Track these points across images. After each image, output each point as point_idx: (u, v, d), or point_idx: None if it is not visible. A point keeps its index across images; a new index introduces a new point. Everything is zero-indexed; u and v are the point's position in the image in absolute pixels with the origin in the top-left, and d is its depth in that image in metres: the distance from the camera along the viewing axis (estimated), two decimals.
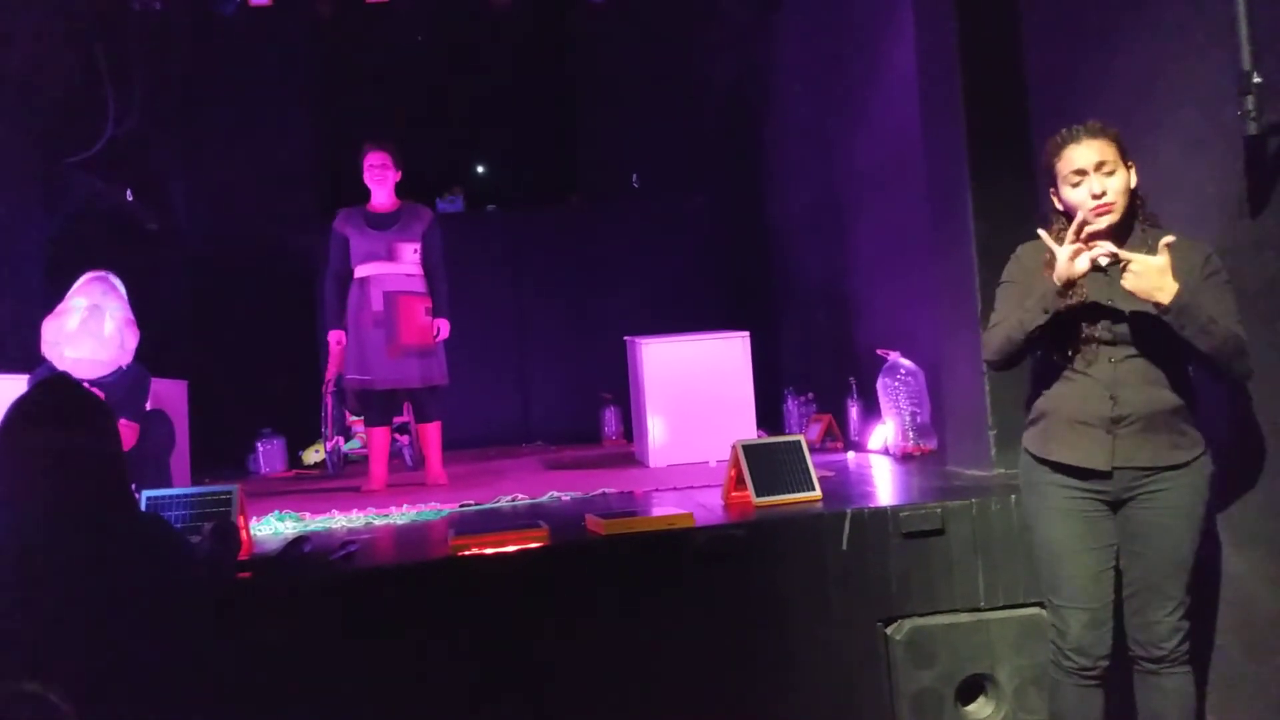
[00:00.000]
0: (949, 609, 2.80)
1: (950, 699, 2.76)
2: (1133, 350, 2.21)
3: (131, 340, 3.62)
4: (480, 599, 2.62)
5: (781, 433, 4.99)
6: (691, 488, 3.75)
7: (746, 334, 4.77)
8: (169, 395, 4.46)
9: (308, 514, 3.63)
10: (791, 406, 5.28)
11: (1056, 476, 2.29)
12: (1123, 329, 2.21)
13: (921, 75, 3.69)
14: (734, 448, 3.19)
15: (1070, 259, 2.16)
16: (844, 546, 2.78)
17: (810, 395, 5.26)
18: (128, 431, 3.38)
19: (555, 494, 3.76)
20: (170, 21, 5.76)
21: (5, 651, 1.82)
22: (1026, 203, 3.20)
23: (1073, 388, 2.25)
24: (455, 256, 4.70)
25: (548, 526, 2.82)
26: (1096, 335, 2.21)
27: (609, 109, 6.96)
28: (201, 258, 6.44)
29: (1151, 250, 2.18)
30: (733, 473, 3.19)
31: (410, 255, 4.44)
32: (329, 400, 5.36)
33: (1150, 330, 2.17)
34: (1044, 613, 2.46)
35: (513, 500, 3.73)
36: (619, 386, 5.43)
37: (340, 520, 3.50)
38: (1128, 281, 2.11)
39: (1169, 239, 2.10)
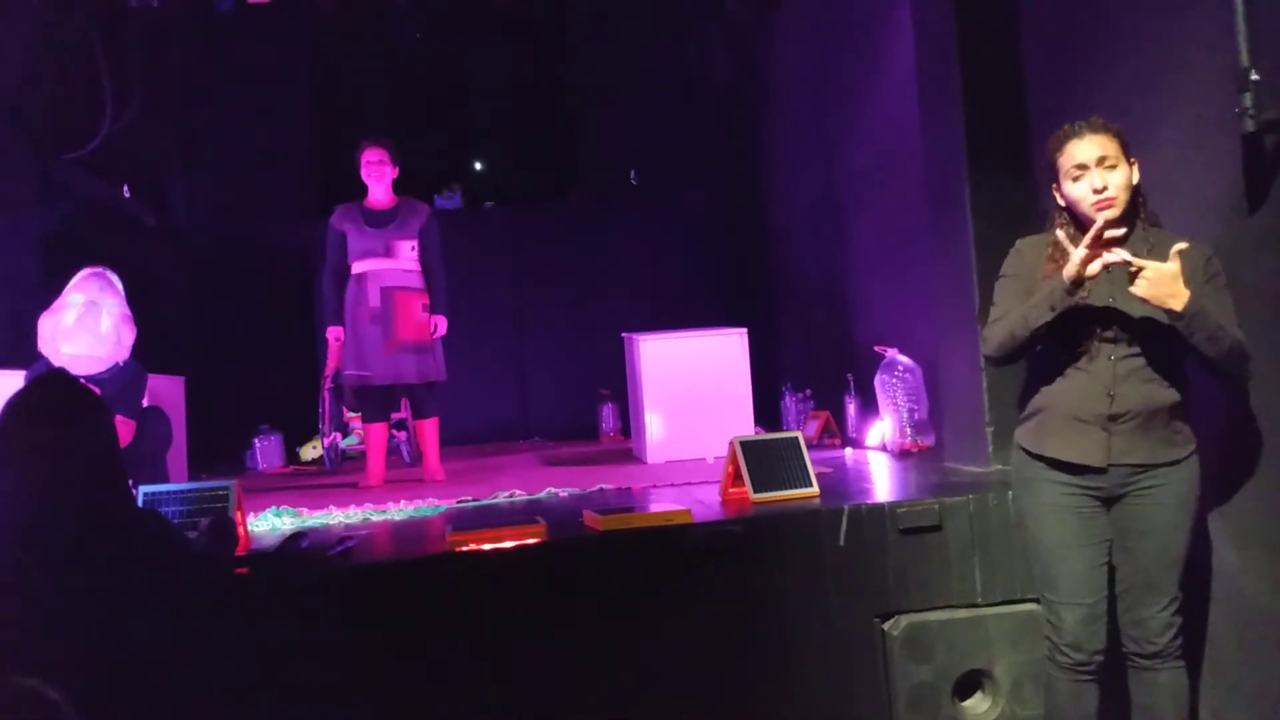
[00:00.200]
0: (946, 605, 2.81)
1: (947, 694, 2.77)
2: (1133, 348, 2.21)
3: (128, 336, 3.62)
4: (478, 595, 2.62)
5: (779, 429, 5.00)
6: (689, 484, 3.75)
7: (744, 330, 4.78)
8: (166, 391, 4.46)
9: (305, 510, 3.62)
10: (789, 403, 5.28)
11: (1051, 473, 2.29)
12: (1124, 327, 2.21)
13: (920, 73, 3.69)
14: (732, 444, 3.19)
15: (1083, 262, 2.14)
16: (841, 542, 2.79)
17: (808, 392, 5.27)
18: (124, 428, 3.37)
19: (553, 490, 3.77)
20: (168, 18, 5.74)
21: (3, 646, 1.82)
22: (1024, 200, 3.20)
23: (1071, 384, 2.25)
24: (453, 253, 4.69)
25: (545, 522, 2.82)
26: (1100, 333, 2.21)
27: (608, 106, 6.96)
28: (199, 254, 6.43)
29: (1153, 248, 2.20)
30: (730, 469, 3.20)
31: (408, 252, 4.44)
32: (327, 396, 5.35)
33: (1151, 329, 2.18)
34: (1040, 608, 2.46)
35: (510, 496, 3.73)
36: (617, 383, 5.43)
37: (338, 516, 3.50)
38: (1140, 289, 2.10)
39: (1181, 246, 2.10)
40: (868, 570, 2.79)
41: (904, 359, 4.20)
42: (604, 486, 3.81)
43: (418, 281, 4.45)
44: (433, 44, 6.90)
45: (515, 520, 2.94)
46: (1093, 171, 2.21)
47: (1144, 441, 2.22)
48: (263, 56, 6.49)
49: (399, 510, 3.56)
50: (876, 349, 4.29)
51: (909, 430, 4.15)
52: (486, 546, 2.68)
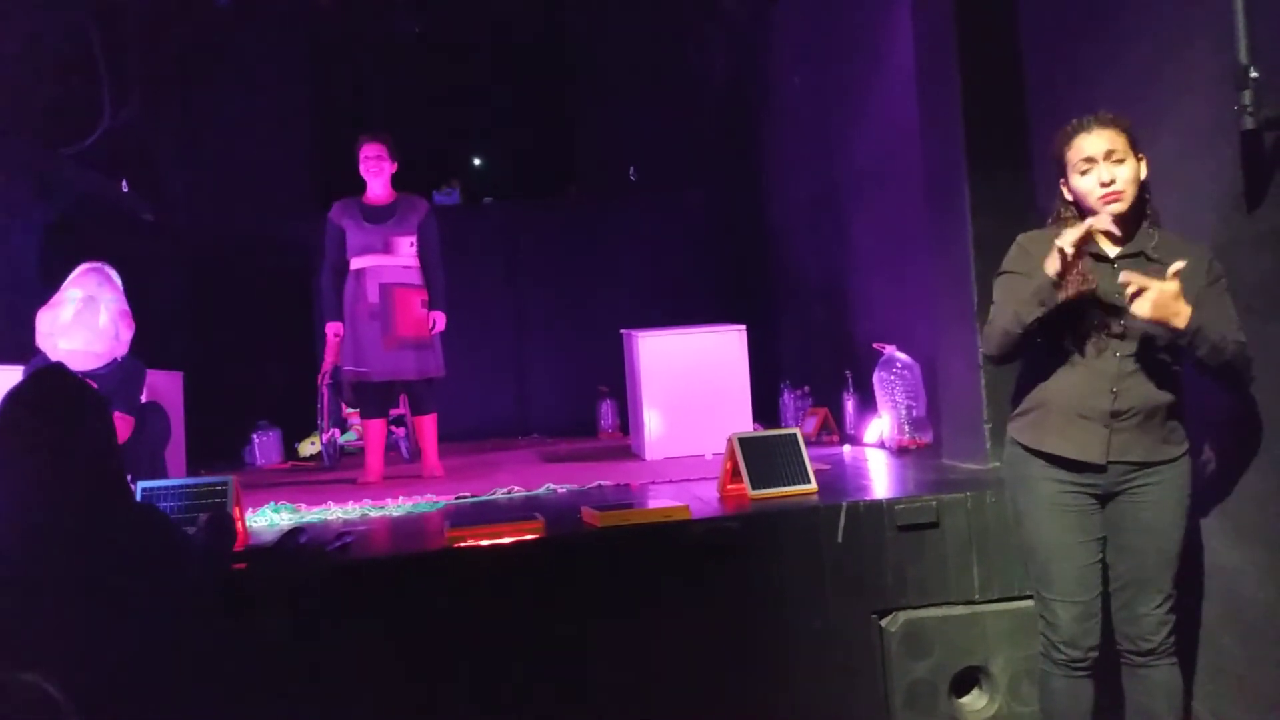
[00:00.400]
0: (943, 601, 2.81)
1: (944, 691, 2.77)
2: (1137, 346, 2.21)
3: (126, 332, 3.62)
4: (476, 590, 2.63)
5: (778, 426, 5.00)
6: (687, 480, 3.76)
7: (743, 327, 4.78)
8: (165, 387, 4.46)
9: (303, 505, 3.62)
10: (788, 400, 5.28)
11: (1048, 469, 2.28)
12: (1132, 325, 2.20)
13: (920, 70, 3.69)
14: (730, 440, 3.19)
15: (1059, 252, 2.14)
16: (839, 539, 2.79)
17: (806, 389, 5.27)
18: (122, 424, 3.37)
19: (551, 486, 3.77)
20: (166, 13, 5.74)
21: (1, 642, 1.82)
22: (1024, 198, 3.20)
23: (1073, 379, 2.24)
24: (452, 249, 4.69)
25: (543, 518, 2.83)
26: (1109, 329, 2.21)
27: (606, 102, 6.96)
28: (197, 249, 6.43)
29: (1157, 247, 2.20)
30: (729, 465, 3.20)
31: (406, 248, 4.43)
32: (325, 392, 5.35)
33: (1156, 329, 2.18)
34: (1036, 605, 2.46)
35: (509, 492, 3.73)
36: (615, 379, 5.43)
37: (336, 512, 3.50)
38: (1141, 309, 2.09)
39: (1179, 265, 2.09)
40: (865, 567, 2.80)
41: (902, 356, 4.20)
42: (602, 483, 3.81)
43: (416, 278, 4.45)
44: (432, 40, 6.90)
45: (514, 516, 2.94)
46: (1100, 165, 2.20)
47: (1143, 439, 2.22)
48: (262, 51, 6.48)
49: (397, 506, 3.56)
50: (875, 346, 4.29)
51: (907, 427, 4.15)
52: (485, 542, 2.68)
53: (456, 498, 3.67)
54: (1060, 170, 2.29)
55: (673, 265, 6.67)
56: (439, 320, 4.46)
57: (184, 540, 2.24)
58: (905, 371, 4.18)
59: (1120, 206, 2.19)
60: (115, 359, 3.59)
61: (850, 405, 4.74)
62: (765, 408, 5.21)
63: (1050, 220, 2.34)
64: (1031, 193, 3.19)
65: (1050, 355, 2.28)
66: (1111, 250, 2.25)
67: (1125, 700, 2.33)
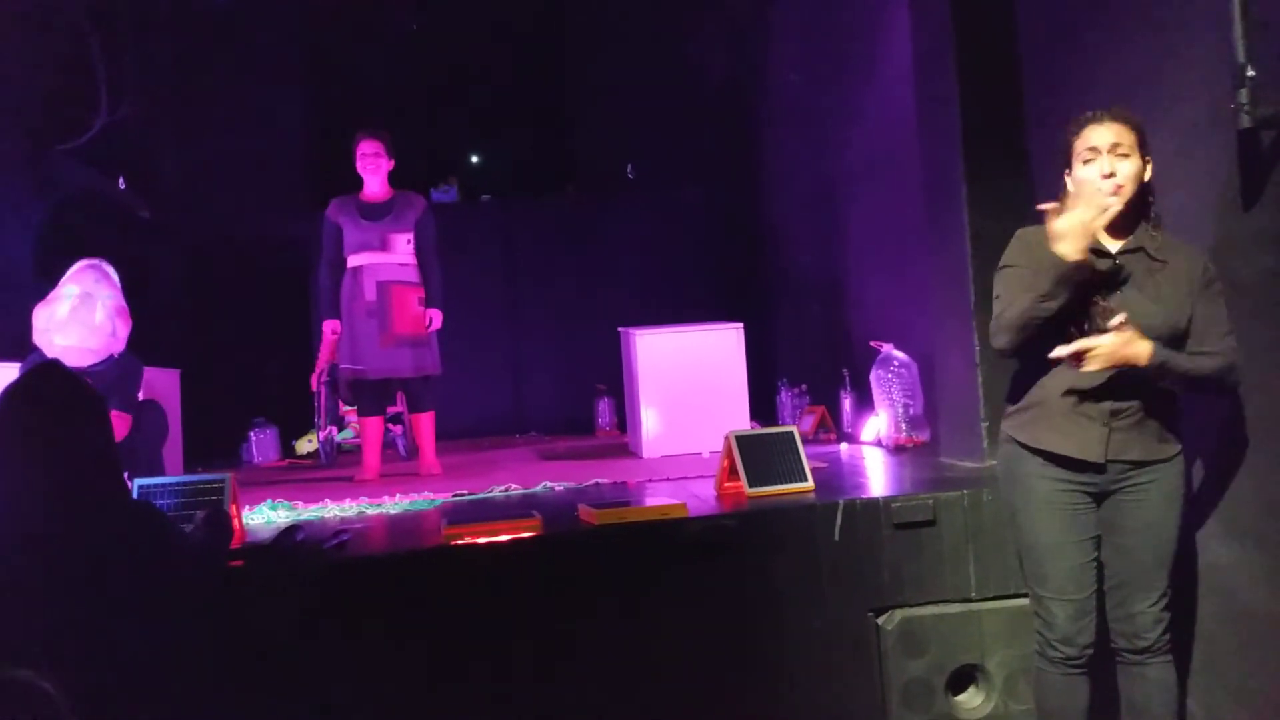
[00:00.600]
0: (940, 599, 2.82)
1: (940, 689, 2.78)
2: None
3: (123, 329, 3.61)
4: (473, 588, 2.63)
5: (775, 424, 5.00)
6: (685, 478, 3.76)
7: (740, 325, 4.78)
8: (162, 384, 4.46)
9: (300, 503, 3.62)
10: (785, 398, 5.29)
11: (1046, 467, 2.28)
12: (1130, 321, 2.19)
13: (917, 68, 3.69)
14: (727, 438, 3.19)
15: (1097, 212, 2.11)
16: (836, 537, 2.79)
17: (804, 387, 5.27)
18: (119, 422, 3.37)
19: (548, 484, 3.77)
20: (163, 9, 5.73)
21: None
22: (1021, 196, 3.20)
23: (1072, 377, 2.23)
24: (449, 247, 4.68)
25: (541, 516, 2.83)
26: (1107, 325, 2.21)
27: (605, 100, 6.95)
28: (194, 246, 6.42)
29: (1158, 250, 2.20)
30: (726, 463, 3.20)
31: (403, 245, 4.43)
32: (322, 390, 5.35)
33: (1155, 327, 2.18)
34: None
35: (506, 490, 3.73)
36: (613, 377, 5.43)
37: (333, 509, 3.50)
38: (1095, 365, 2.12)
39: (1119, 319, 2.10)
40: (862, 565, 2.80)
41: (899, 354, 4.20)
42: (599, 481, 3.81)
43: (413, 275, 4.44)
44: (429, 36, 6.89)
45: (511, 514, 2.94)
46: (1104, 157, 2.20)
47: (1140, 438, 2.22)
48: (259, 48, 6.47)
49: (394, 504, 3.56)
50: (872, 344, 4.30)
51: (904, 425, 4.15)
52: (482, 540, 2.68)
53: (454, 495, 3.67)
54: (1066, 160, 2.29)
55: (670, 263, 6.67)
56: (436, 318, 4.45)
57: (181, 538, 2.24)
58: (902, 369, 4.18)
59: (1117, 203, 2.19)
60: (112, 356, 3.58)
61: (847, 403, 4.74)
62: (762, 406, 5.21)
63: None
64: (1029, 191, 3.19)
65: (1046, 353, 2.27)
66: (1113, 245, 2.25)
67: (1120, 698, 2.34)
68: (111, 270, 3.69)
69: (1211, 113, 2.38)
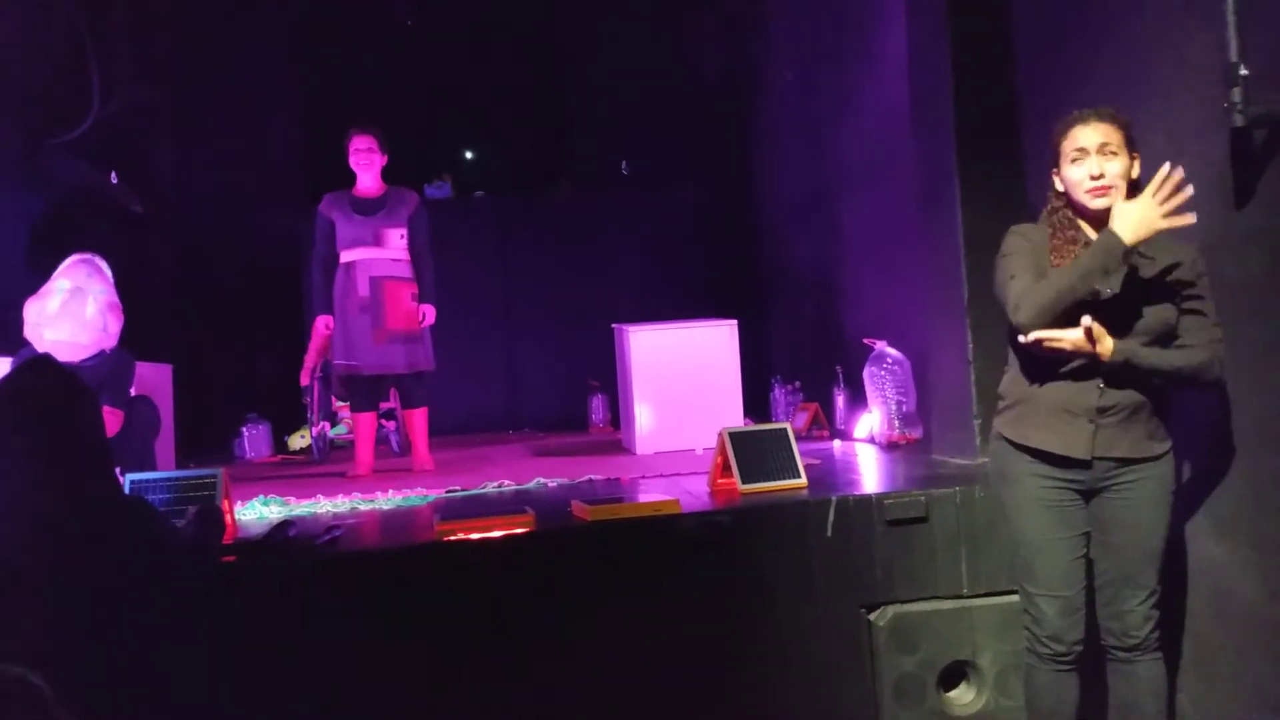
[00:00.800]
0: (932, 596, 2.83)
1: (932, 684, 2.79)
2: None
3: (115, 324, 3.60)
4: (466, 584, 2.63)
5: (768, 421, 5.01)
6: (678, 475, 3.76)
7: (734, 322, 4.78)
8: (154, 379, 4.44)
9: (293, 499, 3.62)
10: (778, 395, 5.29)
11: (1033, 464, 2.29)
12: (1122, 323, 2.20)
13: (912, 65, 3.69)
14: (721, 435, 3.20)
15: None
16: (829, 533, 2.80)
17: (797, 384, 5.28)
18: (111, 418, 3.35)
19: (542, 480, 3.77)
20: (157, 2, 5.70)
21: None
22: (1014, 193, 3.21)
23: (1059, 374, 2.25)
24: (443, 243, 4.68)
25: (534, 512, 2.83)
26: (1081, 324, 2.22)
27: (599, 96, 6.94)
28: (188, 241, 6.39)
29: (1148, 245, 2.20)
30: (719, 460, 3.20)
31: (397, 240, 4.42)
32: (315, 386, 5.34)
33: (1141, 325, 2.19)
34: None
35: (499, 486, 3.73)
36: (607, 374, 5.43)
37: (326, 505, 3.49)
38: (1051, 351, 2.17)
39: (1087, 320, 2.13)
40: (855, 561, 2.81)
41: (893, 351, 4.21)
42: (593, 477, 3.81)
43: (406, 271, 4.44)
44: (424, 32, 6.87)
45: (504, 510, 2.94)
46: (1092, 157, 2.21)
47: (1127, 436, 2.23)
48: (253, 42, 6.44)
49: (387, 500, 3.55)
50: (865, 341, 4.30)
51: (897, 422, 4.16)
52: (475, 536, 2.68)
53: (447, 491, 3.67)
54: (1054, 159, 2.30)
55: (665, 260, 6.66)
56: (429, 313, 4.45)
57: (172, 533, 2.24)
58: (896, 367, 4.19)
59: (1106, 201, 2.20)
60: (104, 351, 3.56)
61: (841, 400, 4.74)
62: (756, 403, 5.22)
63: (1044, 211, 2.35)
64: (1022, 189, 3.20)
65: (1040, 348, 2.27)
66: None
67: (1110, 695, 2.35)
68: (104, 265, 3.68)
69: (1204, 111, 2.39)
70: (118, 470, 2.59)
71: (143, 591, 1.99)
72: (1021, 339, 2.21)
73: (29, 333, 3.51)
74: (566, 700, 2.63)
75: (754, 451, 3.15)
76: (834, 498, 2.84)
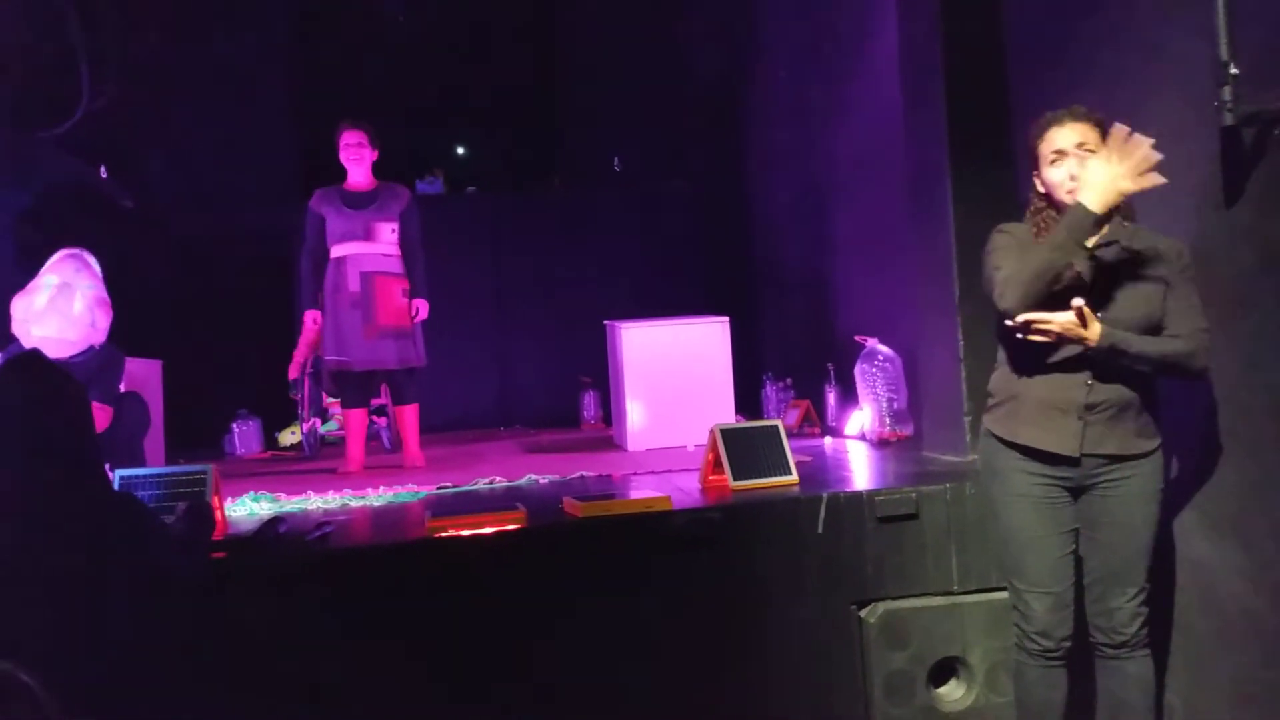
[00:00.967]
0: (922, 592, 2.83)
1: (922, 681, 2.79)
2: None
3: (104, 319, 3.58)
4: (457, 580, 2.62)
5: (760, 418, 5.01)
6: (669, 471, 3.77)
7: (726, 319, 4.78)
8: (144, 375, 4.42)
9: (283, 495, 3.61)
10: (770, 392, 5.30)
11: (1022, 461, 2.30)
12: (1107, 316, 2.21)
13: (903, 63, 3.69)
14: (712, 432, 3.20)
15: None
16: (819, 530, 2.81)
17: (789, 381, 5.28)
18: (100, 413, 3.33)
19: (533, 476, 3.76)
20: None
21: None
22: (1005, 191, 3.21)
23: (1048, 371, 2.26)
24: (434, 238, 4.66)
25: (525, 509, 2.83)
26: (1071, 305, 2.22)
27: (591, 92, 6.93)
28: (177, 236, 6.36)
29: (1131, 242, 2.22)
30: (710, 457, 3.21)
31: (388, 235, 4.41)
32: (306, 382, 5.32)
33: (1131, 321, 2.19)
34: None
35: (490, 482, 3.72)
36: (598, 370, 5.43)
37: (316, 501, 3.49)
38: (1039, 338, 2.16)
39: (1079, 302, 2.11)
40: (845, 557, 2.81)
41: (884, 349, 4.22)
42: (584, 473, 3.81)
43: (398, 266, 4.42)
44: (416, 27, 6.85)
45: (495, 506, 2.94)
46: (1070, 158, 2.22)
47: (1116, 433, 2.24)
48: (243, 35, 6.41)
49: (378, 496, 3.55)
50: (857, 338, 4.31)
51: (888, 419, 4.17)
52: (466, 532, 2.68)
53: (438, 488, 3.66)
54: (1033, 162, 2.31)
55: (656, 257, 6.66)
56: (422, 308, 4.43)
57: (162, 529, 2.23)
58: (887, 364, 4.19)
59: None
60: (92, 346, 3.55)
61: (832, 397, 4.75)
62: (747, 400, 5.22)
63: (1027, 212, 2.36)
64: (1013, 187, 3.21)
65: (1025, 346, 2.27)
66: (1089, 240, 2.26)
67: (1098, 692, 2.36)
68: (92, 260, 3.66)
69: (1194, 110, 2.40)
70: (107, 466, 2.58)
71: (132, 588, 1.98)
72: (1008, 323, 2.20)
73: (16, 329, 3.49)
74: (558, 697, 2.63)
75: (745, 448, 3.16)
76: (825, 495, 2.84)
